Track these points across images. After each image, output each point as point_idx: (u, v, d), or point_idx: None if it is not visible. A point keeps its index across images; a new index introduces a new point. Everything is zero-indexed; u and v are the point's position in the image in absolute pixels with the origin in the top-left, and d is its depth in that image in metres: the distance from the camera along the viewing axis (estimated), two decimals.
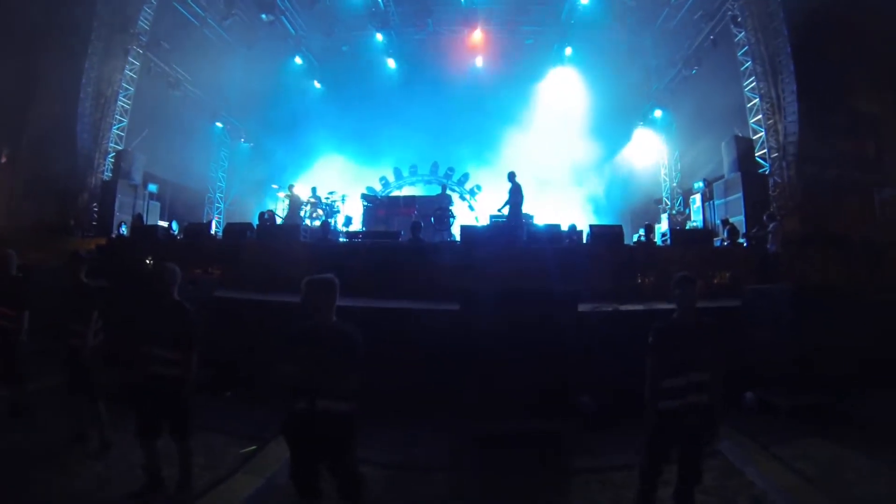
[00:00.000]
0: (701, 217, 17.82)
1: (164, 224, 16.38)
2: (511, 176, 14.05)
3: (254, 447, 5.56)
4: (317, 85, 22.89)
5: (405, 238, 12.65)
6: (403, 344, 6.88)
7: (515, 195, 13.94)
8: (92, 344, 5.46)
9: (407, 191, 21.78)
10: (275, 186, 19.89)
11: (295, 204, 16.72)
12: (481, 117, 21.08)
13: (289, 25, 21.02)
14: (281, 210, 17.89)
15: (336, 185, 18.30)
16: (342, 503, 3.98)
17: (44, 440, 5.55)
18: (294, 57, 21.67)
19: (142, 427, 4.56)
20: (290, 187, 17.36)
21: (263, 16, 19.71)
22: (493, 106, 21.14)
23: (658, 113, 21.07)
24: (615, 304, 7.75)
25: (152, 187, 18.44)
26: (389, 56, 21.80)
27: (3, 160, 18.62)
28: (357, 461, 3.97)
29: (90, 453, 5.35)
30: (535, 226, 14.19)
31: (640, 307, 7.78)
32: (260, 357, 5.53)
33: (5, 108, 17.36)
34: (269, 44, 21.52)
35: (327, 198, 17.20)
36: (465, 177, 21.45)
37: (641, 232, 14.38)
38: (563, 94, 21.41)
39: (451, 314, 6.88)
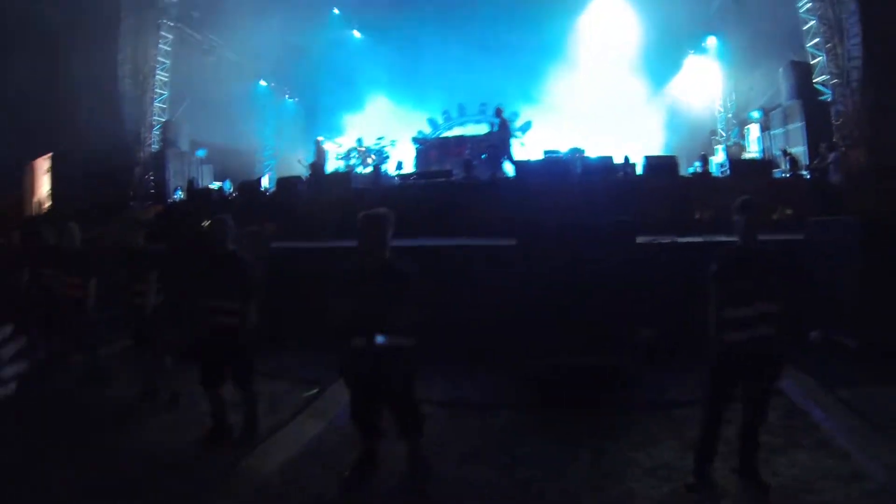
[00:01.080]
0: (760, 148, 17.05)
1: (217, 185, 16.88)
2: (497, 112, 14.66)
3: (315, 391, 5.80)
4: (356, 34, 22.73)
5: (458, 176, 12.62)
6: (459, 281, 6.92)
7: (503, 131, 14.45)
8: (154, 303, 5.82)
9: (457, 131, 21.58)
10: (320, 139, 20.10)
11: (321, 157, 16.86)
12: (527, 54, 20.47)
13: None
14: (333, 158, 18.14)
15: (385, 131, 18.34)
16: (402, 440, 4.11)
17: (118, 397, 6.01)
18: (332, 8, 21.66)
19: (206, 377, 4.80)
20: (318, 142, 17.56)
21: None
22: (538, 41, 20.44)
23: (711, 40, 19.90)
24: (673, 236, 7.52)
25: (201, 152, 19.10)
26: None
27: (62, 146, 19.88)
28: (417, 398, 4.07)
29: (160, 406, 5.74)
30: (589, 159, 13.98)
31: (698, 239, 7.51)
32: (318, 304, 5.68)
33: (50, 101, 18.44)
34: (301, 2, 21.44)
35: (376, 144, 17.29)
36: (515, 115, 21.05)
37: (697, 164, 14.02)
38: (610, 24, 20.57)
39: (508, 249, 6.86)
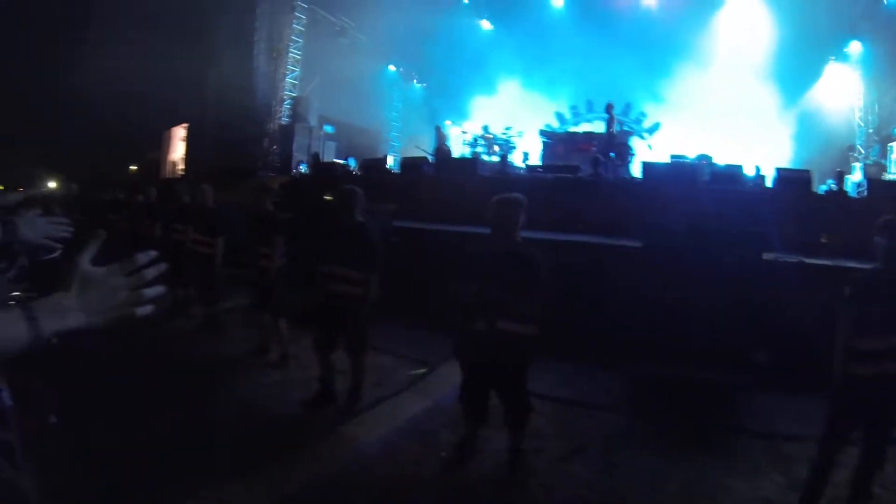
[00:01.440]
0: None
1: (341, 161, 17.41)
2: (608, 108, 14.63)
3: (423, 370, 5.81)
4: (485, 24, 22.71)
5: (585, 173, 12.31)
6: (580, 279, 6.72)
7: (610, 129, 14.48)
8: (277, 265, 6.01)
9: (584, 127, 21.08)
10: (448, 123, 20.23)
11: (442, 142, 16.90)
12: (659, 50, 19.53)
13: None
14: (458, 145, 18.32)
15: (513, 121, 18.23)
16: (505, 429, 4.03)
17: (232, 351, 6.34)
18: None
19: (320, 341, 4.90)
20: (437, 128, 17.66)
21: None
22: (669, 40, 19.42)
23: (854, 45, 17.65)
24: (800, 255, 6.93)
25: (328, 128, 19.78)
26: None
27: (194, 116, 21.74)
28: (527, 389, 3.96)
29: (271, 364, 5.97)
30: (717, 166, 13.20)
31: (827, 262, 6.85)
32: (435, 285, 5.68)
33: (188, 75, 20.16)
34: None
35: (503, 133, 17.29)
36: (643, 115, 20.28)
37: (831, 182, 12.80)
38: (746, 24, 19.02)
39: (631, 251, 6.70)
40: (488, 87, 22.17)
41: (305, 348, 5.52)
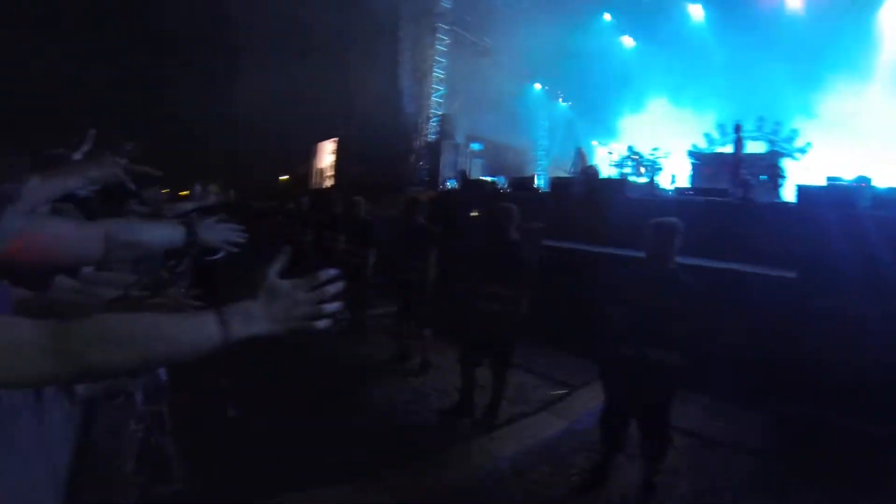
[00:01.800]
0: None
1: (489, 179, 17.76)
2: (736, 128, 14.00)
3: (562, 391, 5.83)
4: (628, 41, 22.16)
5: (735, 196, 11.74)
6: (725, 307, 6.43)
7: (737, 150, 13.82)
8: (427, 277, 6.26)
9: (731, 148, 20.00)
10: (594, 143, 20.03)
11: (583, 163, 16.65)
12: (808, 63, 17.83)
13: None
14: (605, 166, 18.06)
15: (658, 142, 17.75)
16: (641, 460, 3.98)
17: (375, 356, 6.71)
18: (601, 14, 21.47)
19: (465, 354, 5.09)
20: (579, 150, 17.44)
21: None
22: (820, 48, 17.56)
23: None
24: None
25: (475, 146, 20.22)
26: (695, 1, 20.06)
27: (343, 132, 23.31)
28: (669, 420, 3.88)
29: (411, 371, 6.26)
30: (878, 189, 11.92)
31: None
32: (581, 306, 5.69)
33: (337, 93, 21.69)
34: (573, 4, 21.44)
35: (650, 154, 16.90)
36: (794, 133, 18.84)
37: None
38: None
39: (786, 282, 6.28)
40: (634, 105, 21.64)
41: (447, 359, 5.75)
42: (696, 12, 20.22)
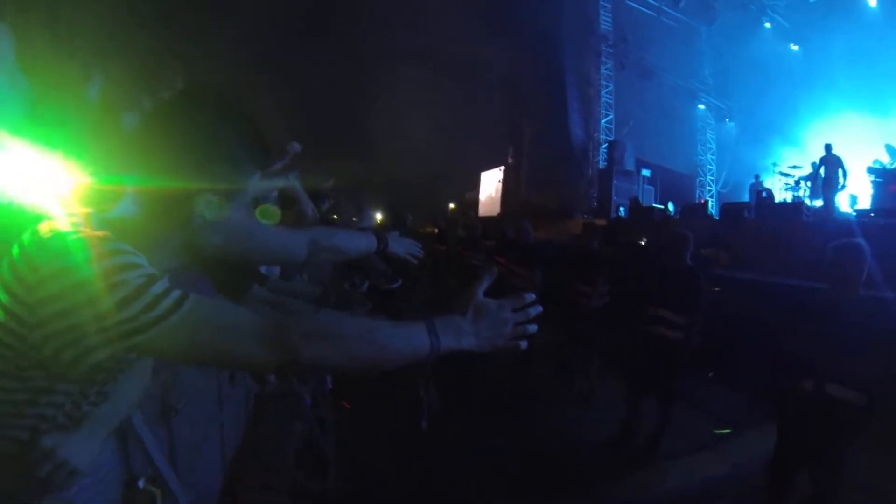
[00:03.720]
0: None
1: (660, 206, 17.20)
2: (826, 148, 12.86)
3: (728, 430, 5.50)
4: (793, 47, 20.45)
5: None
6: None
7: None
8: (597, 304, 6.23)
9: None
10: (775, 164, 18.59)
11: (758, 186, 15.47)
12: None
13: None
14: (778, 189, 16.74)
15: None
16: None
17: (538, 382, 6.69)
18: (761, 22, 20.19)
19: (634, 384, 5.03)
20: (756, 176, 16.24)
21: None
22: None
23: None
24: None
25: (646, 172, 19.72)
26: None
27: (510, 161, 23.88)
28: (846, 466, 3.48)
29: (574, 399, 6.23)
30: None
31: None
32: (751, 342, 5.36)
33: (503, 118, 22.51)
34: (730, 16, 20.76)
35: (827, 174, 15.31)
36: None
37: None
38: None
39: None
40: (806, 121, 19.58)
41: (611, 388, 5.68)
42: (871, 2, 18.13)
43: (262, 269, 2.68)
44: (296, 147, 3.00)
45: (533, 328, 1.33)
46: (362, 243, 2.03)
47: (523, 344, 1.32)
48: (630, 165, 19.12)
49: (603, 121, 20.35)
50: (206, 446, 1.67)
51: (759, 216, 12.12)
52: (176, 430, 1.56)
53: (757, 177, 17.01)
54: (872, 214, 12.20)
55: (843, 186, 14.42)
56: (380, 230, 2.26)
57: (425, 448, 4.45)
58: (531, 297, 1.34)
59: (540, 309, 1.34)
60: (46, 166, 1.19)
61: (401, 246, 2.12)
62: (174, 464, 1.54)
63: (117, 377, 1.17)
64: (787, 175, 16.51)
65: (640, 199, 17.71)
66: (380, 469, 3.94)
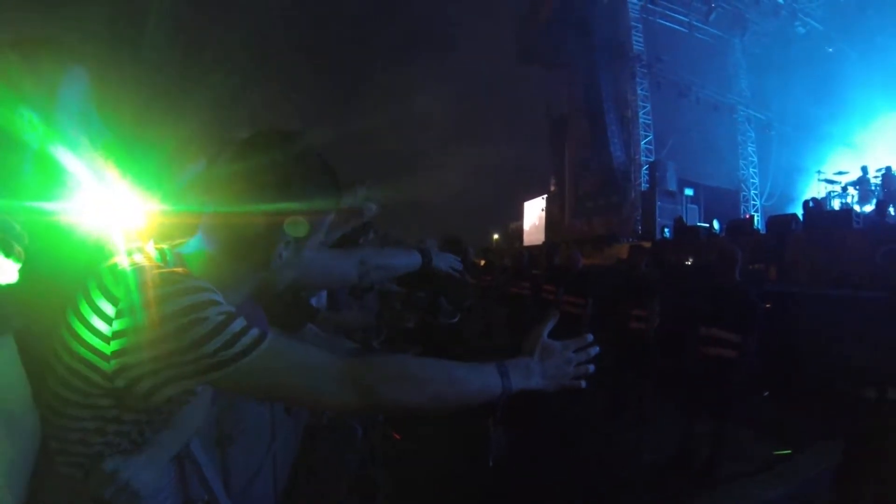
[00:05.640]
0: None
1: (705, 225, 16.94)
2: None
3: (787, 451, 5.34)
4: (828, 50, 20.14)
5: None
6: None
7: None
8: (650, 328, 6.15)
9: None
10: (819, 172, 18.10)
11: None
12: None
13: None
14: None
15: (884, 161, 15.36)
16: None
17: (588, 408, 6.56)
18: (794, 26, 20.08)
19: (686, 405, 5.00)
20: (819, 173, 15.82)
21: None
22: None
23: None
24: None
25: (689, 191, 19.49)
26: None
27: (553, 189, 24.02)
28: None
29: (627, 424, 6.10)
30: None
31: None
32: (807, 356, 5.23)
33: (544, 147, 22.67)
34: (762, 24, 20.75)
35: (875, 177, 14.78)
36: None
37: None
38: None
39: None
40: (849, 124, 19.19)
41: (665, 412, 5.61)
42: None
43: (313, 302, 2.77)
44: (372, 209, 3.14)
45: (591, 367, 1.38)
46: (408, 260, 2.09)
47: (583, 383, 1.38)
48: (672, 185, 18.93)
49: (643, 142, 20.30)
50: (260, 474, 1.74)
51: (807, 226, 11.81)
52: (231, 457, 1.64)
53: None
54: None
55: None
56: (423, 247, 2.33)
57: (489, 482, 4.44)
58: (590, 337, 1.39)
59: (598, 349, 1.39)
60: (123, 201, 1.26)
61: (444, 261, 2.18)
62: (229, 490, 1.62)
63: (183, 405, 1.23)
64: (832, 182, 16.11)
65: (685, 218, 17.50)
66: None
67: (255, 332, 1.05)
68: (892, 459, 3.32)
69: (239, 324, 1.04)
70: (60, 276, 1.11)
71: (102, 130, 1.29)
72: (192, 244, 1.19)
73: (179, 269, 1.09)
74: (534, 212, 27.07)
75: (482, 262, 12.25)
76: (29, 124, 1.15)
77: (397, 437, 3.53)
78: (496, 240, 30.55)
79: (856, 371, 3.44)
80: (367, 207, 2.57)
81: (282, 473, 2.06)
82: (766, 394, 6.66)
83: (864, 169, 15.16)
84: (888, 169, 14.25)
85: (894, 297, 3.47)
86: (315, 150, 1.21)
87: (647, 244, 14.32)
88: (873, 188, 14.67)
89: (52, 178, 1.17)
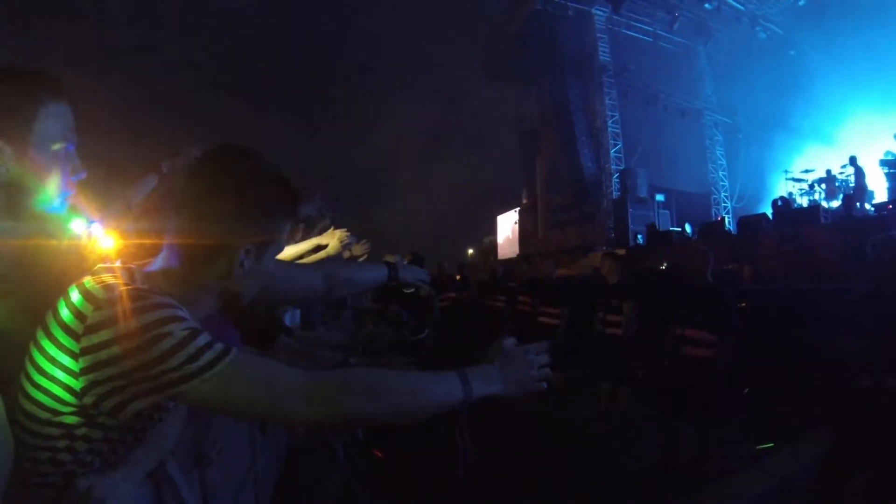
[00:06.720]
0: None
1: (677, 229, 17.14)
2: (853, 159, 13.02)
3: (770, 444, 5.40)
4: (790, 53, 20.65)
5: None
6: None
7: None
8: (625, 333, 6.20)
9: None
10: (786, 171, 18.41)
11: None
12: None
13: (735, 3, 20.41)
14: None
15: (847, 157, 15.70)
16: None
17: (570, 416, 6.63)
18: (755, 31, 20.59)
19: (666, 408, 4.99)
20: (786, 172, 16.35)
21: (707, 5, 20.38)
22: None
23: None
24: None
25: (660, 197, 19.77)
26: None
27: (525, 202, 24.36)
28: None
29: (609, 430, 6.13)
30: None
31: None
32: (787, 351, 5.26)
33: (514, 161, 22.77)
34: (725, 31, 21.38)
35: (840, 172, 15.12)
36: None
37: None
38: None
39: None
40: (813, 123, 19.65)
41: (646, 415, 5.60)
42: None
43: (286, 321, 2.75)
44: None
45: (549, 371, 1.41)
46: (374, 274, 2.08)
47: (543, 385, 1.40)
48: (643, 192, 19.18)
49: (612, 151, 20.60)
50: (241, 496, 1.72)
51: (776, 224, 12.05)
52: (210, 479, 1.62)
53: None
54: (892, 207, 12.05)
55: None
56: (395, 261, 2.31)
57: (463, 493, 4.41)
58: (548, 343, 1.44)
59: (567, 350, 1.45)
60: (94, 228, 1.27)
61: (411, 273, 2.17)
62: None
63: (154, 422, 1.23)
64: (799, 180, 16.47)
65: (657, 224, 17.74)
66: None
67: (219, 346, 1.07)
68: (889, 447, 3.36)
69: (203, 339, 1.06)
70: (31, 296, 1.12)
71: (72, 155, 1.30)
72: (158, 262, 1.21)
73: (145, 287, 1.10)
74: (507, 225, 27.24)
75: (458, 277, 12.29)
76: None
77: (378, 454, 3.51)
78: (471, 255, 30.65)
79: (852, 362, 3.46)
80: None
81: (264, 495, 2.03)
82: (746, 391, 6.75)
83: (828, 171, 15.54)
84: (852, 159, 14.61)
85: (885, 286, 3.52)
86: (272, 163, 1.24)
87: (622, 251, 14.49)
88: (839, 185, 15.00)
89: (23, 200, 1.18)
